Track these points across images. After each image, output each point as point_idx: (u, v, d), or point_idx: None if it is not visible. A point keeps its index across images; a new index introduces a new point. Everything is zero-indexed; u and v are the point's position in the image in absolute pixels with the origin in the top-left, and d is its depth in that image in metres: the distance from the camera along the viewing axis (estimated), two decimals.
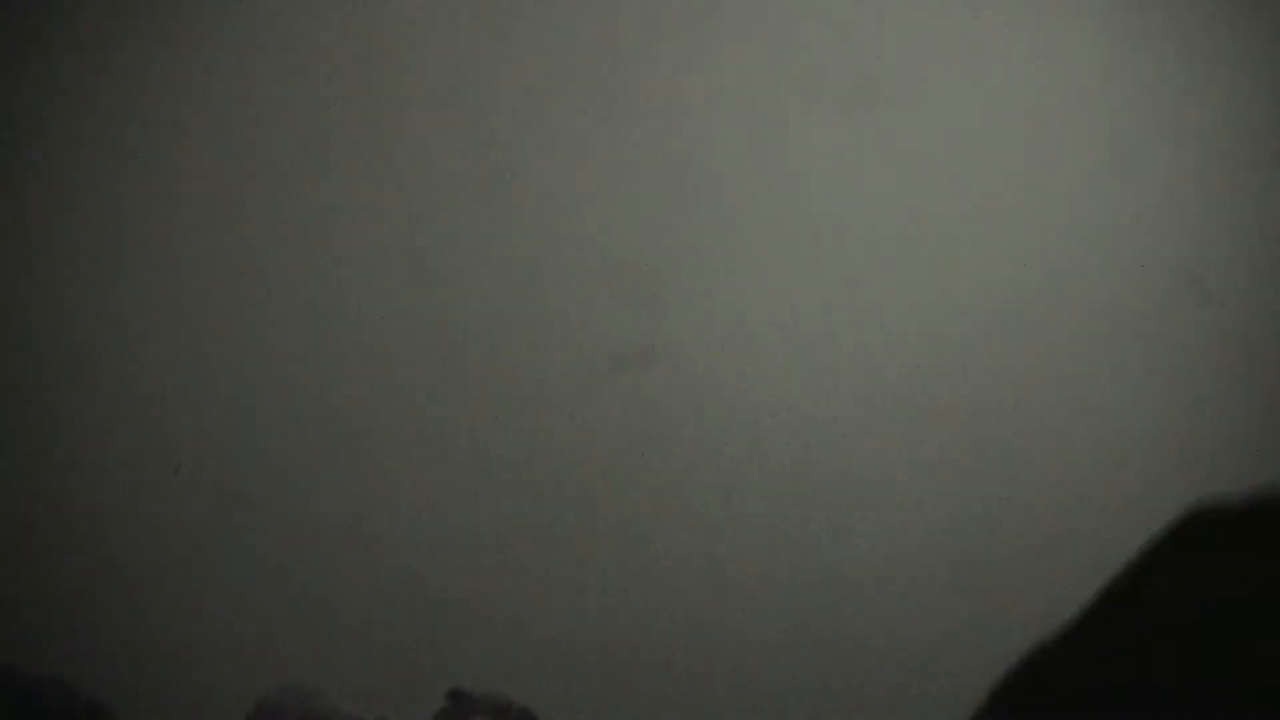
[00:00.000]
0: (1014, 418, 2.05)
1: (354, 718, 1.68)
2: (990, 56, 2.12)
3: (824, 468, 2.00)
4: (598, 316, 1.90)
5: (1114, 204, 2.12)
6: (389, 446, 1.97)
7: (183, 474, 1.93)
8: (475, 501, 1.95)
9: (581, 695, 1.94)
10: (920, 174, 2.09)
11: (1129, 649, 0.44)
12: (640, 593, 1.93)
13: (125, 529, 1.91)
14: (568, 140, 1.94)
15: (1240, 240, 2.13)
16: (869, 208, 2.05)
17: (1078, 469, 2.03)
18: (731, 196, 1.93)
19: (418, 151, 2.01)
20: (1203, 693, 0.44)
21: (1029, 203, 2.11)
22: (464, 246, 2.00)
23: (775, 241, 1.96)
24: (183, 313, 1.96)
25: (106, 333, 1.94)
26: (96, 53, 1.96)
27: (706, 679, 1.95)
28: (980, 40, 2.12)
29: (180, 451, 1.93)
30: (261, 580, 1.93)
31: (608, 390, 1.90)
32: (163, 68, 1.98)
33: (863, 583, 2.00)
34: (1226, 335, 2.11)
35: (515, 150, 1.98)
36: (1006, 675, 0.46)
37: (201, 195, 1.98)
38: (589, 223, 1.86)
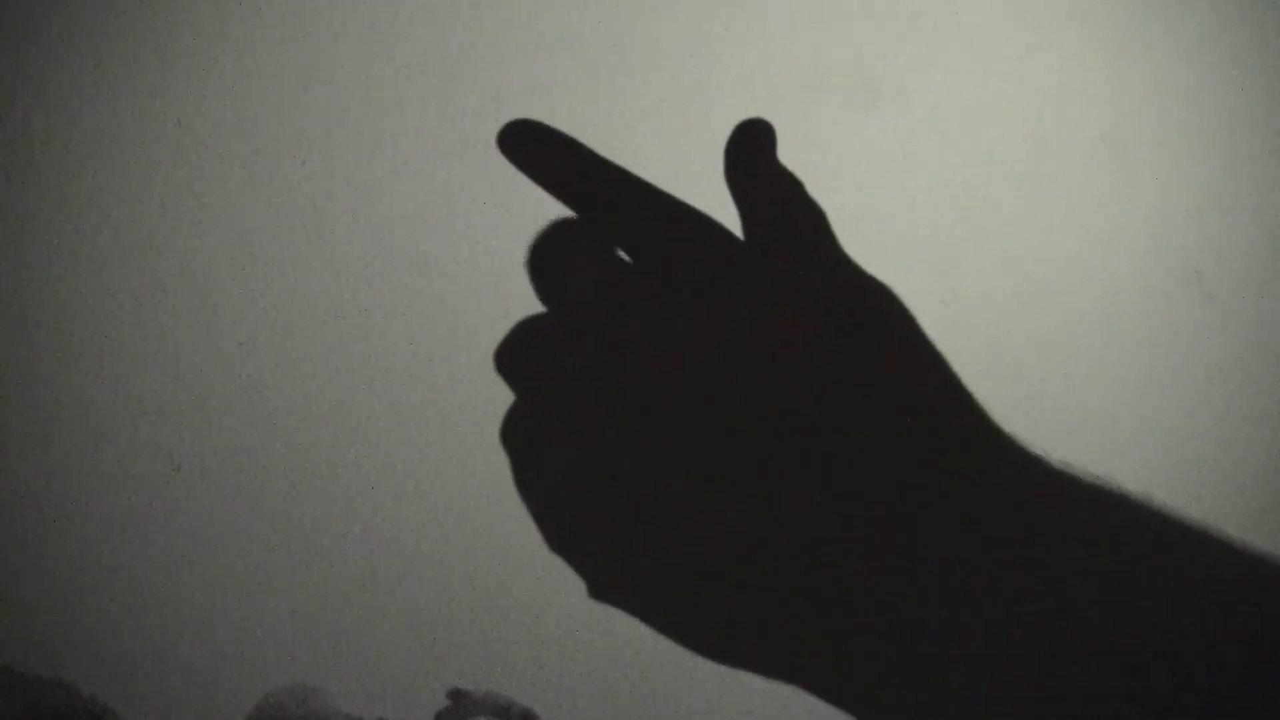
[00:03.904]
0: (1015, 417, 2.05)
1: (354, 718, 1.68)
2: (991, 55, 2.12)
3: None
4: None
5: (1114, 204, 2.12)
6: (389, 446, 1.97)
7: (183, 473, 1.93)
8: (476, 501, 1.95)
9: (583, 695, 1.94)
10: (919, 173, 2.10)
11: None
12: None
13: (125, 529, 1.91)
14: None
15: (1242, 239, 2.13)
16: (868, 207, 2.05)
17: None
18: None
19: (418, 151, 2.01)
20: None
21: (1029, 203, 2.11)
22: (465, 246, 2.00)
23: None
24: (182, 312, 1.96)
25: (106, 332, 1.94)
26: (96, 51, 1.96)
27: (709, 679, 1.95)
28: (981, 39, 2.12)
29: (180, 451, 1.94)
30: (261, 580, 1.93)
31: None
32: (162, 66, 1.98)
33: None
34: (1229, 334, 2.11)
35: None
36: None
37: (202, 194, 1.98)
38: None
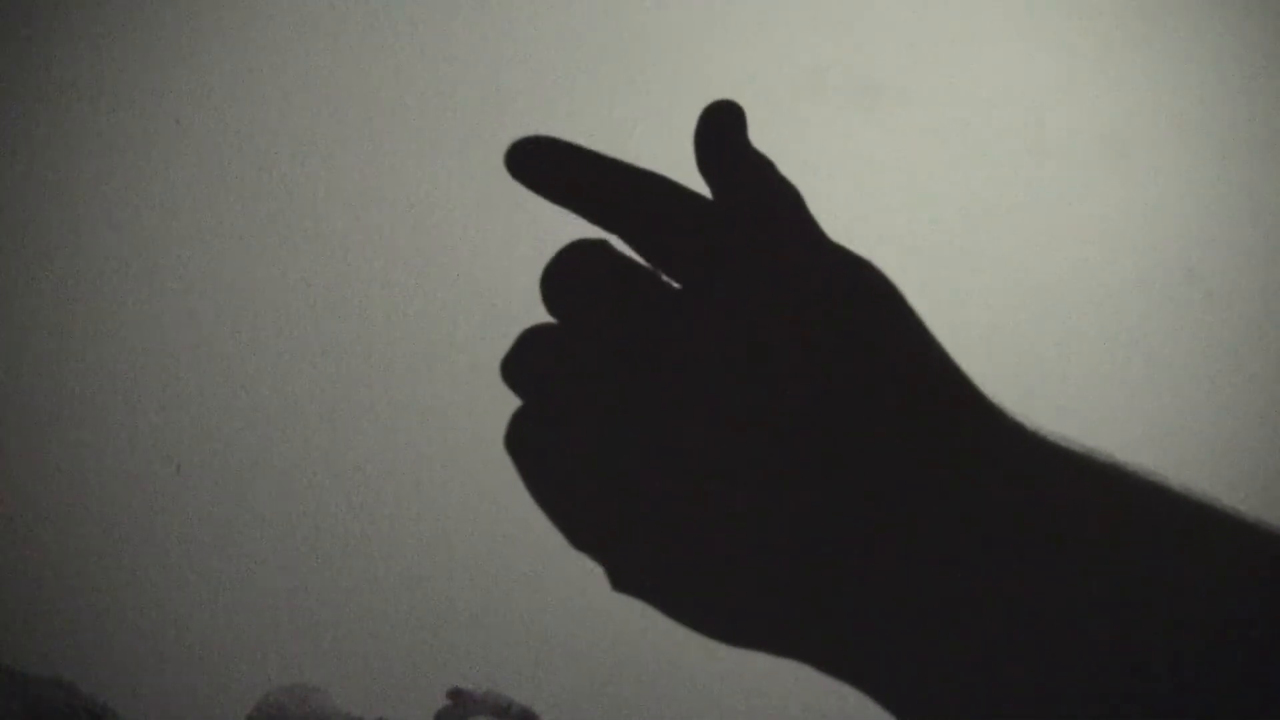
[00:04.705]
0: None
1: (354, 718, 1.68)
2: (990, 56, 2.12)
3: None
4: None
5: (1114, 204, 2.12)
6: (389, 445, 1.97)
7: (182, 473, 1.93)
8: (476, 501, 1.95)
9: (582, 695, 1.94)
10: (920, 174, 2.10)
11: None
12: None
13: (125, 529, 1.91)
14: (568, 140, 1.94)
15: (1242, 239, 2.13)
16: (868, 207, 2.05)
17: None
18: None
19: (418, 151, 2.01)
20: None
21: (1029, 203, 2.11)
22: (466, 247, 2.00)
23: None
24: (182, 311, 1.96)
25: (106, 332, 1.95)
26: (96, 51, 1.97)
27: (710, 679, 1.95)
28: (981, 39, 2.12)
29: (180, 451, 1.94)
30: (261, 580, 1.93)
31: None
32: (162, 66, 1.98)
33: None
34: (1228, 334, 2.11)
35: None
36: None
37: (202, 194, 1.98)
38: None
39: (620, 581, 0.51)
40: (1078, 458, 0.49)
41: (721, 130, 0.54)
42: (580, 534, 0.51)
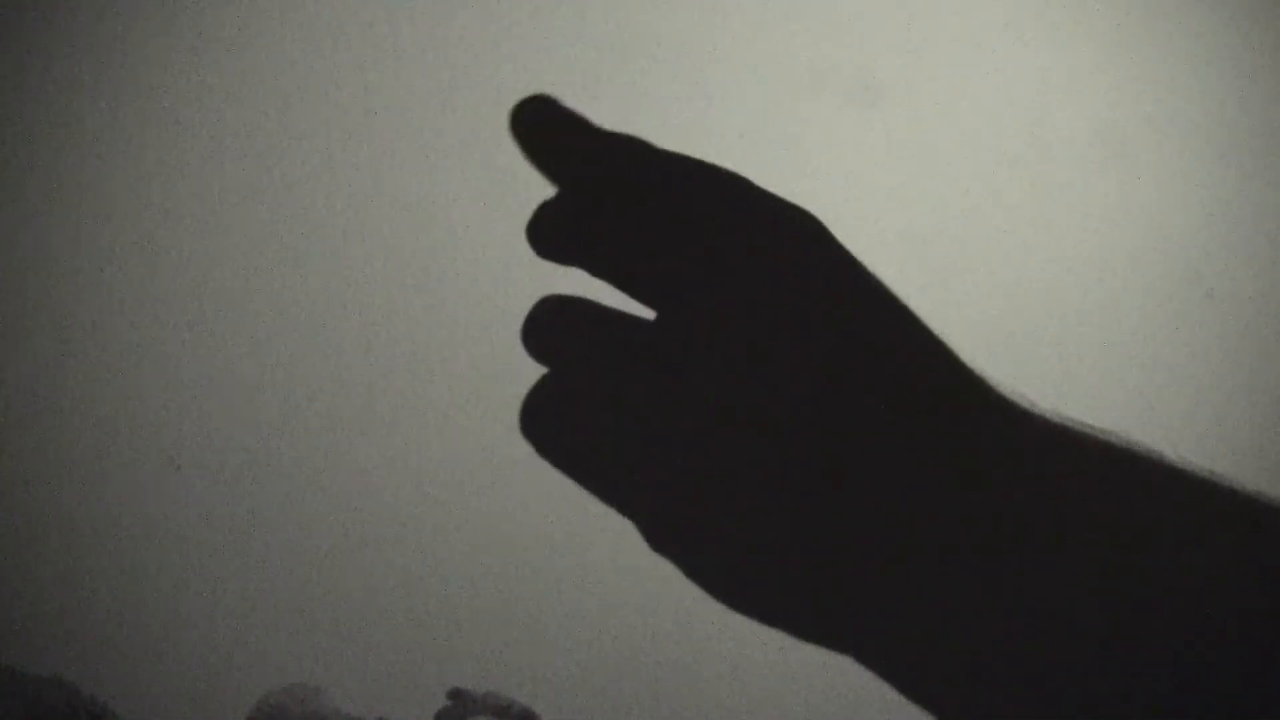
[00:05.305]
0: None
1: (354, 718, 1.68)
2: (990, 55, 2.12)
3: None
4: None
5: (1114, 203, 2.12)
6: (390, 446, 1.97)
7: (183, 473, 1.93)
8: (476, 500, 1.95)
9: (583, 695, 1.94)
10: (920, 173, 2.10)
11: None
12: (642, 592, 1.93)
13: (125, 528, 1.91)
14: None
15: (1242, 238, 2.13)
16: (868, 207, 2.05)
17: None
18: None
19: (418, 151, 2.01)
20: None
21: (1030, 201, 2.11)
22: (466, 246, 2.00)
23: None
24: (182, 311, 1.96)
25: (106, 331, 1.95)
26: (95, 51, 1.97)
27: (710, 679, 1.95)
28: (981, 39, 2.12)
29: (180, 450, 1.94)
30: (261, 580, 1.93)
31: None
32: (162, 66, 1.98)
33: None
34: (1228, 333, 2.11)
35: (515, 150, 1.98)
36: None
37: (201, 194, 1.98)
38: None
39: (656, 539, 0.51)
40: (1077, 442, 0.49)
41: (538, 106, 0.54)
42: (613, 492, 0.51)
